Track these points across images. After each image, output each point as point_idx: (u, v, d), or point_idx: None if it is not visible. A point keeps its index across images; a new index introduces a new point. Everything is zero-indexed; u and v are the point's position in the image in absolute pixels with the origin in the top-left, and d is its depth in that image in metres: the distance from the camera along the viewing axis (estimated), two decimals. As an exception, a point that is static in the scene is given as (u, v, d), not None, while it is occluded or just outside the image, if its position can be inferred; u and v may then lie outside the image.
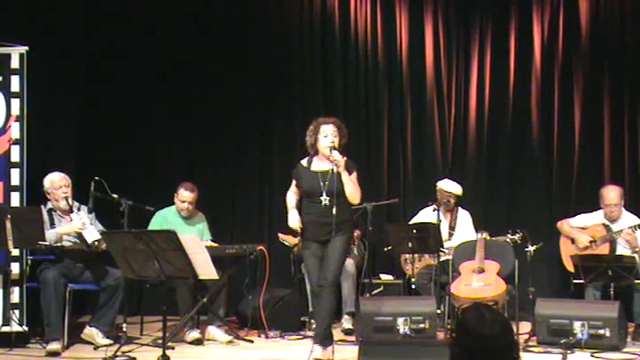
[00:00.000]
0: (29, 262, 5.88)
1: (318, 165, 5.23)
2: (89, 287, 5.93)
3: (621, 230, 6.15)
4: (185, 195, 6.26)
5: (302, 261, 6.60)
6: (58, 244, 5.74)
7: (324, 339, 5.16)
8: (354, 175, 5.19)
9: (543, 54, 7.24)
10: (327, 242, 5.16)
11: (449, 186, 6.64)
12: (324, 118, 5.28)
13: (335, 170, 5.08)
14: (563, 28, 7.21)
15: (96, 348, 5.66)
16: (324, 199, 5.10)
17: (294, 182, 5.36)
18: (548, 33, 7.23)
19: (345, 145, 5.23)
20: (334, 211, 5.04)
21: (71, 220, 5.75)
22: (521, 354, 2.61)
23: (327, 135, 5.13)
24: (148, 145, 7.54)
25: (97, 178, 5.64)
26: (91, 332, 5.80)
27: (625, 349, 5.54)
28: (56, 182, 5.81)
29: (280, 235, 6.65)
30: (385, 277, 6.86)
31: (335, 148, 5.11)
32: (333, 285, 5.19)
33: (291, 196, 5.35)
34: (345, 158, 5.13)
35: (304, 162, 5.30)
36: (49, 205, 5.85)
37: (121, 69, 7.46)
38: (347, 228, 5.21)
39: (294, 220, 5.25)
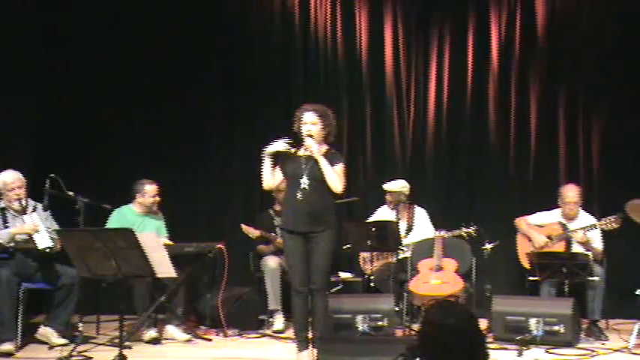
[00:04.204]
0: (-18, 260, 5.77)
1: (303, 150, 5.14)
2: (44, 286, 5.84)
3: (576, 230, 6.25)
4: (152, 188, 6.27)
5: (261, 258, 6.63)
6: (11, 244, 5.64)
7: (311, 342, 5.08)
8: (340, 166, 5.10)
9: (500, 54, 7.33)
10: (309, 236, 5.05)
11: (395, 185, 6.66)
12: (309, 104, 5.19)
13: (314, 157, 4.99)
14: (520, 29, 7.30)
15: (51, 348, 5.59)
16: (304, 182, 5.00)
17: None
18: (505, 33, 7.32)
19: (336, 134, 5.15)
20: (314, 196, 4.96)
21: (24, 221, 5.65)
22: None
23: (306, 123, 5.07)
24: (106, 144, 7.45)
25: (52, 175, 5.56)
26: (45, 332, 5.71)
27: (579, 345, 5.64)
28: (9, 184, 5.70)
29: (243, 227, 6.62)
30: (344, 275, 6.88)
31: (311, 136, 5.03)
32: (324, 287, 5.15)
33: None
34: (326, 147, 5.09)
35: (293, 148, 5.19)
36: (2, 203, 5.75)
37: (81, 67, 7.37)
38: (332, 223, 5.09)
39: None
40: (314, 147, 5.03)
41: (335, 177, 5.05)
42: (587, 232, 6.21)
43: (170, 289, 5.96)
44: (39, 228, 5.61)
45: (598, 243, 6.28)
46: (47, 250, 5.59)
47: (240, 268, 6.73)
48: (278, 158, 5.17)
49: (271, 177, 5.17)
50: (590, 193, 6.94)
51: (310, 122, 5.07)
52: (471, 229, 6.40)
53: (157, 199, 6.30)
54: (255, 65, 7.59)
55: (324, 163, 5.03)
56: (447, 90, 7.42)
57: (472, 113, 7.39)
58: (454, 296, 5.78)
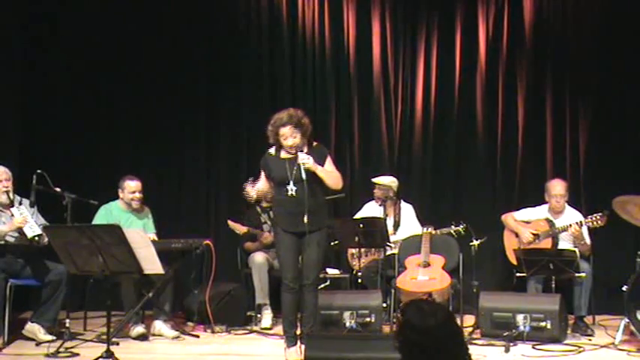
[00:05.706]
0: (-32, 257, 5.74)
1: (284, 153, 5.11)
2: (31, 283, 5.82)
3: (567, 226, 6.26)
4: (133, 185, 6.21)
5: (249, 254, 6.63)
6: (1, 242, 5.62)
7: (299, 338, 5.11)
8: (329, 161, 5.13)
9: (488, 52, 7.35)
10: (303, 235, 5.05)
11: (385, 179, 6.69)
12: (280, 117, 5.03)
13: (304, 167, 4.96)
14: (507, 27, 7.32)
15: (38, 344, 5.55)
16: (291, 188, 5.00)
17: (262, 174, 5.22)
18: (492, 31, 7.34)
19: (312, 131, 5.09)
20: (305, 200, 4.92)
21: (12, 214, 5.63)
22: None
23: (287, 137, 5.01)
24: (92, 140, 7.42)
25: (39, 171, 5.53)
26: (32, 328, 5.68)
27: (565, 341, 5.67)
28: (-4, 177, 5.68)
29: (230, 223, 6.62)
30: (332, 272, 6.88)
31: (300, 150, 5.00)
32: (315, 283, 5.18)
33: (260, 184, 5.26)
34: (315, 144, 5.09)
35: (272, 150, 5.15)
36: (-11, 198, 5.72)
37: (65, 62, 7.33)
38: (324, 222, 5.11)
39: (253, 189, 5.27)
40: (309, 161, 4.98)
41: (334, 178, 5.11)
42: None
43: (157, 285, 5.94)
44: (28, 219, 5.59)
45: (586, 238, 6.32)
46: (36, 239, 5.56)
47: (227, 264, 6.74)
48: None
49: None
50: (577, 189, 6.98)
51: (290, 136, 5.01)
52: (461, 227, 6.42)
53: (138, 195, 6.22)
54: (241, 64, 7.57)
55: (320, 172, 5.03)
56: (434, 88, 7.43)
57: (459, 110, 7.40)
58: (428, 294, 5.80)
